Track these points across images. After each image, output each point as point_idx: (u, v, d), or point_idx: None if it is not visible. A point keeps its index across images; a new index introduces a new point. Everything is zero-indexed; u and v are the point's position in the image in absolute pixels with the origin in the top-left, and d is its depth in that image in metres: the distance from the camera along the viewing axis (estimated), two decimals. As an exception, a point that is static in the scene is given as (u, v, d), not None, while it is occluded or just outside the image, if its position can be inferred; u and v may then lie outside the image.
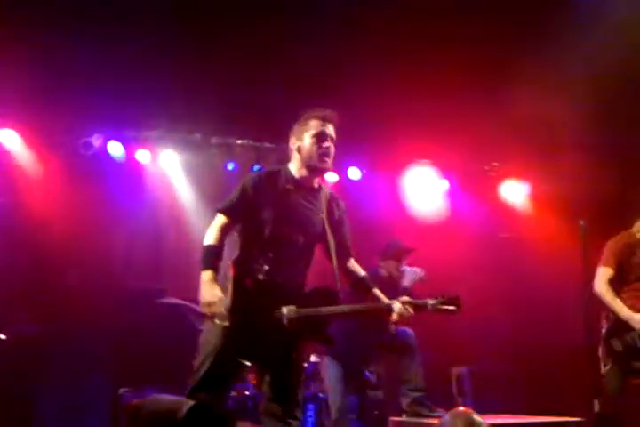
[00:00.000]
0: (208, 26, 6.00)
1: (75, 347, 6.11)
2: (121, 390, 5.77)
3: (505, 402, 5.87)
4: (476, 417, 2.56)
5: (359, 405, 5.72)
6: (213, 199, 7.62)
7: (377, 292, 3.45)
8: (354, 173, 7.86)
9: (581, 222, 4.95)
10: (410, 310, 3.37)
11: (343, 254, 3.52)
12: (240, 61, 6.23)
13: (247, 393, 5.75)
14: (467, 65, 6.17)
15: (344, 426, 4.55)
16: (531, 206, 8.07)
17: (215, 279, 3.26)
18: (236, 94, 6.51)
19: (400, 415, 4.93)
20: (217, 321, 3.12)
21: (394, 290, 4.53)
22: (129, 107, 6.55)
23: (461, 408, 2.81)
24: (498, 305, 7.34)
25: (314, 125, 3.48)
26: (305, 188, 3.44)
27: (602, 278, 4.45)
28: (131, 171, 7.27)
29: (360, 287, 3.51)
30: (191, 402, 1.58)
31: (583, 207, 6.46)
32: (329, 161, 3.46)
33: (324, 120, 3.49)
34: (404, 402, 4.88)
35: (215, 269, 3.30)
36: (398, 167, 7.96)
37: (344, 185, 7.97)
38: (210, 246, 3.38)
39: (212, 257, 3.34)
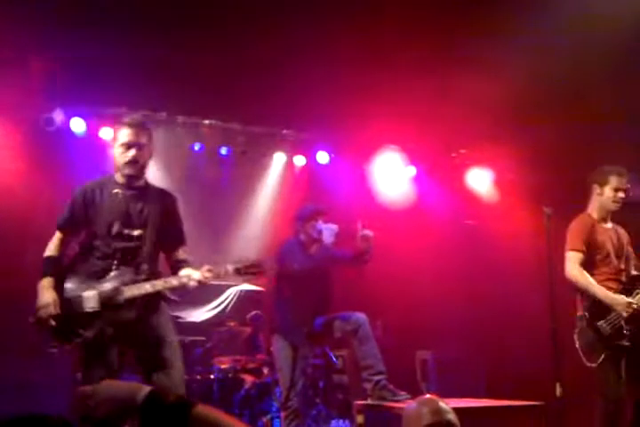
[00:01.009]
0: (178, 5, 5.84)
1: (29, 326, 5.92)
2: (79, 374, 5.65)
3: (467, 386, 5.95)
4: (443, 405, 2.52)
5: (324, 389, 5.74)
6: (179, 180, 7.53)
7: (186, 270, 3.72)
8: (322, 157, 7.81)
9: (546, 210, 4.95)
10: (209, 276, 3.71)
11: (174, 243, 3.88)
12: (210, 42, 6.09)
13: (212, 377, 5.71)
14: (434, 53, 6.15)
15: (293, 405, 4.51)
16: (496, 194, 8.15)
17: (50, 286, 3.56)
18: (203, 73, 6.37)
19: (364, 399, 4.94)
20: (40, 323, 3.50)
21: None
22: (92, 83, 6.34)
23: (428, 396, 2.76)
24: (462, 291, 7.42)
25: (121, 135, 3.74)
26: (132, 188, 3.75)
27: (574, 263, 4.36)
28: (94, 148, 7.06)
29: (175, 269, 3.78)
30: (147, 387, 1.46)
31: (548, 195, 6.54)
32: (134, 168, 3.74)
33: (130, 127, 3.70)
34: (368, 387, 4.89)
35: (52, 275, 3.60)
36: (366, 152, 7.95)
37: (312, 169, 7.93)
38: (47, 257, 3.73)
39: (49, 266, 3.66)
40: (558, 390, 4.57)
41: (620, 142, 6.37)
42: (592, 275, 4.41)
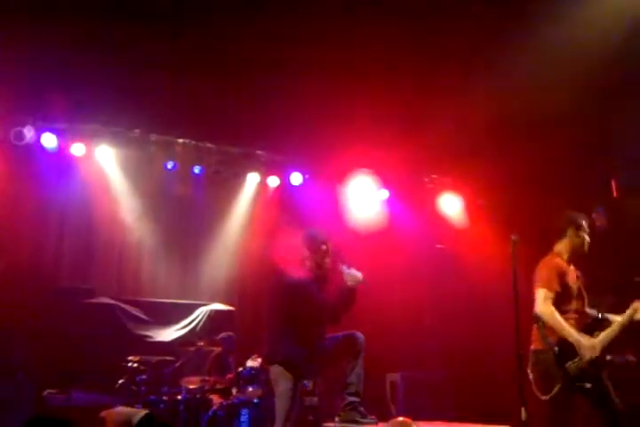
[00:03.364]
0: (153, 22, 5.88)
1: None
2: (46, 392, 5.55)
3: (436, 409, 5.99)
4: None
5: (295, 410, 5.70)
6: (150, 198, 7.51)
7: None
8: (295, 179, 7.87)
9: (513, 237, 5.06)
10: None
11: None
12: (187, 61, 6.14)
13: (179, 397, 5.64)
14: (409, 79, 6.30)
15: None
16: (466, 219, 8.29)
17: None
18: (178, 92, 6.40)
19: (333, 421, 4.93)
20: None
21: (322, 281, 4.56)
22: (65, 98, 6.33)
23: (400, 418, 2.79)
24: (431, 314, 7.49)
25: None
26: None
27: (546, 301, 4.37)
28: (64, 164, 7.01)
29: None
30: (143, 412, 1.74)
31: (515, 221, 6.69)
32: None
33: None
34: (340, 405, 4.87)
35: None
36: (340, 175, 8.03)
37: (285, 190, 7.97)
38: None
39: None
40: (523, 415, 4.64)
41: (588, 171, 6.57)
42: (563, 312, 4.52)
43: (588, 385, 4.29)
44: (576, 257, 4.75)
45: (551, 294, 4.45)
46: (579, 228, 4.70)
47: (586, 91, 5.96)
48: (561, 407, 4.32)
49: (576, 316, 4.55)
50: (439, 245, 7.84)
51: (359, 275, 4.50)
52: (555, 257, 4.69)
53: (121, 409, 1.96)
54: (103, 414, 1.92)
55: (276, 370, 4.44)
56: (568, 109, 6.05)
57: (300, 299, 4.41)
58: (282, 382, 4.40)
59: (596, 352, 4.32)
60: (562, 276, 4.53)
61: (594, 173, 6.52)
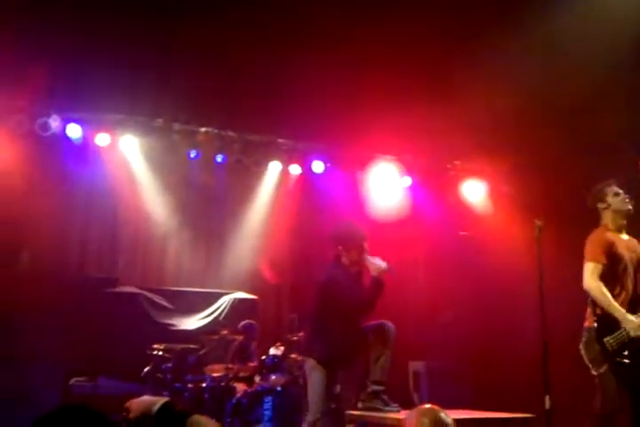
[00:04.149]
0: (175, 11, 5.88)
1: (23, 333, 5.92)
2: (72, 380, 5.65)
3: (459, 397, 5.97)
4: (444, 415, 2.49)
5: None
6: (174, 187, 7.56)
7: None
8: (317, 167, 7.84)
9: (537, 222, 4.97)
10: None
11: None
12: (208, 51, 6.13)
13: (204, 385, 5.71)
14: (431, 65, 6.21)
15: None
16: (490, 205, 8.19)
17: None
18: (201, 81, 6.41)
19: (356, 409, 4.95)
20: None
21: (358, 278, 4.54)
22: (88, 89, 6.37)
23: (428, 405, 2.68)
24: (455, 302, 7.44)
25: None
26: None
27: (592, 275, 4.31)
28: (89, 154, 7.07)
29: None
30: (163, 400, 2.05)
31: (540, 207, 6.58)
32: None
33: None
34: (363, 393, 4.87)
35: None
36: (362, 162, 7.98)
37: (307, 178, 7.95)
38: None
39: None
40: (547, 403, 4.60)
41: (614, 156, 6.43)
42: (609, 287, 4.43)
43: (627, 361, 4.22)
44: (625, 224, 4.63)
45: (597, 266, 4.36)
46: (604, 198, 4.61)
47: (612, 75, 5.84)
48: (606, 390, 4.27)
49: (628, 291, 4.45)
50: (462, 233, 7.77)
51: (383, 264, 4.47)
52: (601, 230, 4.59)
53: (144, 398, 2.08)
54: (128, 403, 2.03)
55: (310, 363, 4.47)
56: (594, 94, 5.93)
57: (334, 298, 4.41)
58: (315, 373, 4.43)
59: None
60: (609, 246, 4.43)
61: (620, 158, 6.38)
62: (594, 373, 4.31)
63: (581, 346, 4.39)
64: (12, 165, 6.46)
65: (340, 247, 4.58)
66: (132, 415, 2.01)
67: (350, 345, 4.50)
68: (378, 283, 4.44)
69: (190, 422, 1.97)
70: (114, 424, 1.90)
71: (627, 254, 4.49)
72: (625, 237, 4.62)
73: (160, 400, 2.03)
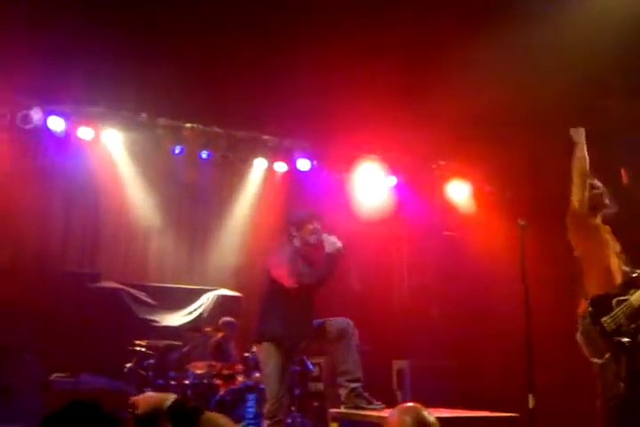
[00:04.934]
0: (163, 4, 5.83)
1: (3, 329, 5.82)
2: (53, 376, 5.57)
3: (442, 396, 5.99)
4: (427, 414, 2.43)
5: (300, 396, 5.72)
6: (157, 183, 7.49)
7: None
8: (303, 164, 7.82)
9: (520, 222, 5.03)
10: None
11: None
12: (195, 46, 6.08)
13: (186, 382, 5.66)
14: (416, 65, 6.24)
15: (279, 414, 4.46)
16: (474, 205, 8.24)
17: None
18: (187, 76, 6.35)
19: (339, 407, 4.94)
20: None
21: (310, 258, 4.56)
22: (71, 81, 6.28)
23: (410, 404, 2.64)
24: (439, 301, 7.47)
25: None
26: None
27: None
28: (72, 148, 6.98)
29: None
30: (173, 396, 1.99)
31: (523, 206, 6.64)
32: None
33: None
34: (343, 393, 4.87)
35: None
36: (348, 161, 7.97)
37: (293, 175, 7.93)
38: None
39: None
40: (531, 402, 4.64)
41: (598, 159, 6.51)
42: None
43: (626, 339, 4.28)
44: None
45: None
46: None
47: (600, 78, 5.90)
48: (607, 376, 4.32)
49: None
50: (447, 232, 7.81)
51: (338, 243, 4.49)
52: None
53: (151, 394, 2.03)
54: (134, 399, 1.99)
55: (263, 348, 4.45)
56: (577, 95, 5.99)
57: (289, 292, 4.40)
58: (271, 359, 4.40)
59: None
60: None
61: (604, 161, 6.46)
62: (597, 361, 4.34)
63: (578, 336, 4.42)
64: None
65: (291, 229, 4.63)
66: (140, 411, 1.96)
67: (301, 322, 4.49)
68: (331, 259, 4.45)
69: (204, 418, 1.93)
70: (122, 421, 1.88)
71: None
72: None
73: (170, 396, 1.98)
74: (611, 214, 5.15)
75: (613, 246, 4.66)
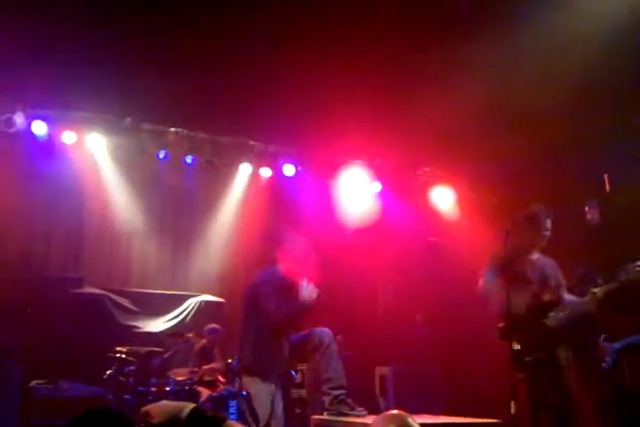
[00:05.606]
0: (147, 11, 5.80)
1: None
2: (33, 383, 5.50)
3: (425, 402, 5.98)
4: (411, 422, 2.40)
5: (284, 402, 5.66)
6: (141, 188, 7.44)
7: None
8: (288, 170, 7.81)
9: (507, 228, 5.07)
10: None
11: None
12: (180, 51, 6.06)
13: (167, 389, 5.61)
14: (402, 73, 6.26)
15: None
16: (458, 211, 8.27)
17: None
18: (172, 81, 6.33)
19: (321, 414, 4.92)
20: None
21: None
22: (55, 86, 6.24)
23: (395, 411, 2.60)
24: (423, 307, 7.47)
25: None
26: None
27: None
28: (55, 152, 6.93)
29: None
30: (191, 405, 1.93)
31: (507, 213, 6.65)
32: None
33: None
34: (326, 400, 4.86)
35: None
36: (332, 166, 7.98)
37: (278, 181, 7.91)
38: None
39: None
40: (513, 408, 4.65)
41: (581, 166, 6.56)
42: None
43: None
44: None
45: None
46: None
47: (580, 85, 5.94)
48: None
49: None
50: (432, 238, 7.83)
51: (313, 295, 4.46)
52: None
53: (165, 403, 1.96)
54: (147, 408, 1.91)
55: (255, 380, 4.46)
56: (561, 103, 6.03)
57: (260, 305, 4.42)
58: (251, 385, 4.44)
59: None
60: None
61: (587, 168, 6.52)
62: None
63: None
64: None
65: (282, 253, 4.60)
66: (156, 421, 1.88)
67: (284, 357, 4.53)
68: (302, 308, 4.43)
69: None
70: None
71: None
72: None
73: (188, 405, 1.92)
74: (594, 222, 5.22)
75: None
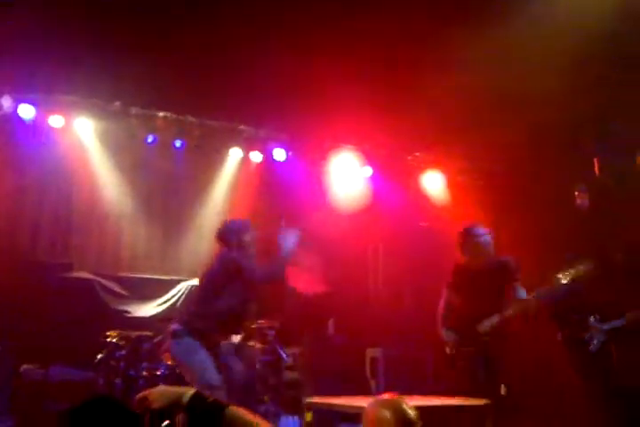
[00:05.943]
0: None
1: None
2: (23, 367, 5.48)
3: (416, 384, 6.02)
4: (407, 408, 2.36)
5: (274, 386, 5.71)
6: (130, 172, 7.39)
7: None
8: (279, 154, 7.77)
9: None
10: None
11: None
12: (168, 33, 5.98)
13: (158, 373, 5.61)
14: (394, 56, 6.22)
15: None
16: (448, 196, 8.27)
17: None
18: (160, 65, 6.25)
19: (315, 396, 4.94)
20: None
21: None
22: (44, 69, 6.15)
23: (387, 396, 2.49)
24: (412, 290, 7.50)
25: None
26: None
27: None
28: (42, 136, 6.85)
29: None
30: (192, 390, 1.93)
31: (497, 198, 6.68)
32: None
33: None
34: None
35: None
36: (323, 151, 7.95)
37: (268, 165, 7.88)
38: None
39: None
40: (503, 389, 4.70)
41: (571, 151, 6.57)
42: None
43: None
44: None
45: None
46: None
47: (571, 70, 5.94)
48: None
49: None
50: (423, 223, 7.84)
51: (294, 242, 4.53)
52: None
53: (164, 388, 1.93)
54: (145, 393, 1.89)
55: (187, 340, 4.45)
56: (552, 89, 6.02)
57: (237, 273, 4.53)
58: (196, 350, 4.41)
59: None
60: None
61: (577, 153, 6.54)
62: None
63: None
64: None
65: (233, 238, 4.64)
66: (155, 406, 1.86)
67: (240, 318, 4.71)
68: (289, 259, 4.58)
69: (228, 413, 1.83)
70: (138, 415, 1.86)
71: None
72: None
73: (187, 390, 1.90)
74: (584, 206, 5.26)
75: None
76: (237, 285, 4.48)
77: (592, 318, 5.10)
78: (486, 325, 4.95)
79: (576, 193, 5.25)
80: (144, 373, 5.64)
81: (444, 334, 5.28)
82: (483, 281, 5.03)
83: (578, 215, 5.75)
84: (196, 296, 4.92)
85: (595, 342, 5.06)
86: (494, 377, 4.87)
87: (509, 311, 4.89)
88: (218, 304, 4.47)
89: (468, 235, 5.18)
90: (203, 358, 4.35)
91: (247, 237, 4.70)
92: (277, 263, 4.53)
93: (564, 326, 5.11)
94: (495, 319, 4.91)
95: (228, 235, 4.72)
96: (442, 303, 5.42)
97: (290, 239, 4.49)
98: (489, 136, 6.89)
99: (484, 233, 5.16)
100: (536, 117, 6.47)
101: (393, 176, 8.19)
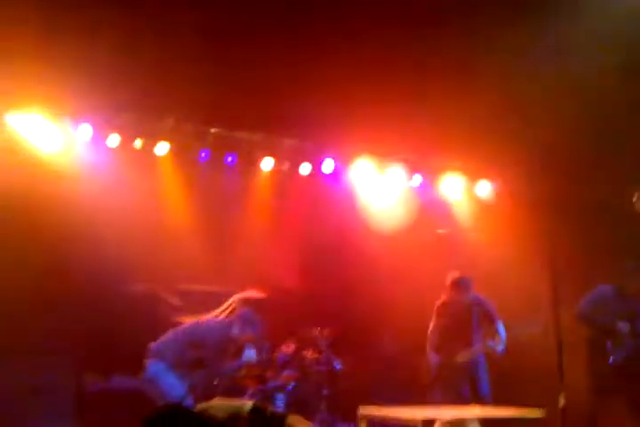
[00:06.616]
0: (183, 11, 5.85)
1: (38, 327, 5.91)
2: (86, 377, 5.64)
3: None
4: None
5: (329, 396, 5.74)
6: (184, 188, 7.53)
7: None
8: (327, 167, 7.83)
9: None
10: None
11: None
12: (211, 49, 6.09)
13: (215, 383, 5.69)
14: (417, 63, 6.20)
15: None
16: (473, 204, 8.22)
17: None
18: (217, 81, 6.35)
19: (370, 405, 4.95)
20: None
21: None
22: (98, 88, 6.32)
23: (449, 413, 2.58)
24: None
25: None
26: None
27: None
28: (100, 155, 7.06)
29: None
30: (251, 402, 2.04)
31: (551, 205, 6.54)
32: None
33: None
34: None
35: None
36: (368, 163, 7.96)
37: (316, 179, 7.94)
38: None
39: None
40: (562, 402, 4.60)
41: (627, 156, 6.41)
42: None
43: None
44: None
45: None
46: None
47: (617, 71, 5.82)
48: None
49: None
50: (440, 231, 7.81)
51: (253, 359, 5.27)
52: None
53: (222, 401, 2.00)
54: (203, 406, 1.96)
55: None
56: (610, 86, 5.87)
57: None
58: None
59: None
60: None
61: (634, 156, 6.36)
62: None
63: None
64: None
65: None
66: (218, 417, 1.94)
67: None
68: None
69: (289, 423, 1.92)
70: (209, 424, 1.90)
71: None
72: None
73: (246, 402, 2.01)
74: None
75: None
76: None
77: (623, 325, 4.80)
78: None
79: (634, 198, 5.11)
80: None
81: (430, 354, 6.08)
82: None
83: (636, 221, 5.56)
84: None
85: (617, 353, 4.77)
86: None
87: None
88: None
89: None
90: None
91: None
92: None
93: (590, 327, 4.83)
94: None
95: None
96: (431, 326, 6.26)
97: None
98: (539, 137, 6.73)
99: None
100: (592, 120, 6.33)
101: (441, 187, 8.18)
